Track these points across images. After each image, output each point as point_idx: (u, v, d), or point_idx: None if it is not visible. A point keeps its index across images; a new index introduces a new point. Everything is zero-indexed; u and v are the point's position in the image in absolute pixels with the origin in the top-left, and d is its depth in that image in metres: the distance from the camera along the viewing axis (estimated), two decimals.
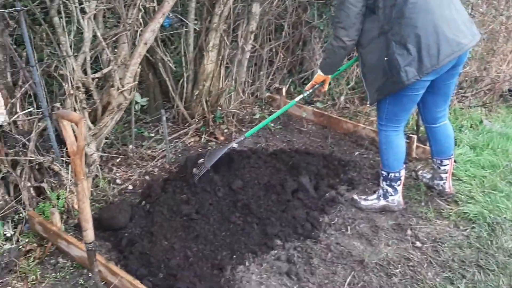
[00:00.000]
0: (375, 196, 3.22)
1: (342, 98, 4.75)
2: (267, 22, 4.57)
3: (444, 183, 3.30)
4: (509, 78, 5.05)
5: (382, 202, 3.17)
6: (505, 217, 3.06)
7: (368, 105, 3.00)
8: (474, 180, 3.46)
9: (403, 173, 3.13)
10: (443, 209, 3.17)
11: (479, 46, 4.98)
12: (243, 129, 4.20)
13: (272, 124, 4.32)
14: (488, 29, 4.92)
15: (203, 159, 3.29)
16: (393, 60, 2.67)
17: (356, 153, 3.88)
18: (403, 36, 2.62)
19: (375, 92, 2.88)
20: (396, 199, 3.16)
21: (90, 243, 2.06)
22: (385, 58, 2.70)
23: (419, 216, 3.11)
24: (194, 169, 3.25)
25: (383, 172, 3.14)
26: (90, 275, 2.43)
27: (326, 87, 3.25)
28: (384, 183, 3.15)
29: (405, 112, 2.97)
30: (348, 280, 2.58)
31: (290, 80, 5.02)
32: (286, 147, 3.96)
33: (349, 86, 4.82)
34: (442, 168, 3.27)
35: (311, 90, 3.25)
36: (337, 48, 2.81)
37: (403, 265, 2.70)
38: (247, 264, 2.66)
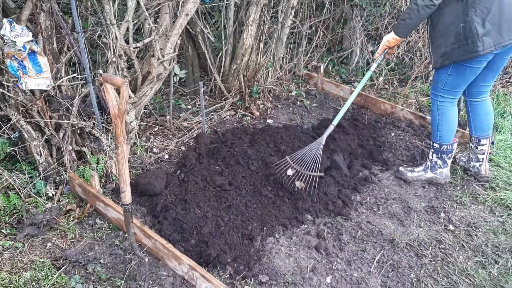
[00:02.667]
0: (421, 168, 3.23)
1: (381, 79, 4.67)
2: None
3: (480, 165, 3.24)
4: None
5: (429, 174, 3.18)
6: None
7: (432, 68, 3.01)
8: None
9: (455, 146, 3.14)
10: (479, 194, 3.10)
11: None
12: (279, 105, 4.20)
13: (308, 102, 4.30)
14: None
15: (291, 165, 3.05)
16: (472, 28, 2.67)
17: (393, 134, 3.82)
18: (486, 6, 2.63)
19: (440, 57, 2.87)
20: (445, 172, 3.16)
21: (127, 205, 2.13)
22: (462, 25, 2.70)
23: (454, 200, 3.06)
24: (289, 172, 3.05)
25: (434, 145, 3.15)
26: (126, 236, 2.52)
27: (394, 50, 3.26)
28: (435, 155, 3.15)
29: (464, 84, 2.96)
30: (377, 258, 2.58)
31: (329, 58, 4.97)
32: (320, 125, 3.93)
33: (389, 67, 4.73)
34: (479, 148, 3.22)
35: (382, 56, 3.22)
36: (423, 8, 2.74)
37: (434, 247, 2.67)
38: (277, 236, 2.70)
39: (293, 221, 2.82)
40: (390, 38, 3.06)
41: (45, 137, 2.83)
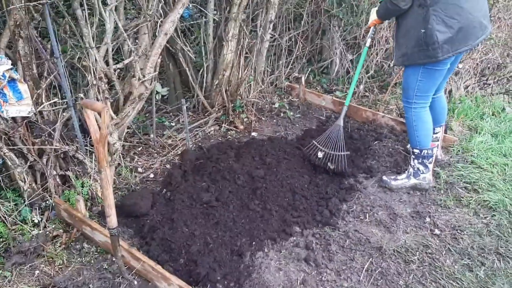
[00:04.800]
0: (404, 175, 3.29)
1: (362, 86, 4.74)
2: (286, 11, 4.58)
3: (436, 151, 3.44)
4: None
5: (413, 181, 3.24)
6: None
7: (392, 65, 3.19)
8: (495, 168, 3.43)
9: (435, 150, 3.23)
10: (462, 197, 3.15)
11: (503, 32, 4.90)
12: (263, 118, 4.23)
13: (291, 113, 4.34)
14: None
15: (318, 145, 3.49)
16: (432, 35, 2.77)
17: (375, 141, 3.87)
18: (447, 14, 2.73)
19: (401, 56, 3.00)
20: (428, 177, 3.22)
21: (113, 229, 2.13)
22: (422, 31, 2.80)
23: (438, 204, 3.11)
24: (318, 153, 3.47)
25: (415, 151, 3.22)
26: (114, 259, 2.51)
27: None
28: (416, 161, 3.22)
29: (434, 86, 3.07)
30: (365, 266, 2.61)
31: (309, 69, 5.02)
32: (304, 135, 3.97)
33: (368, 74, 4.80)
34: (434, 136, 3.42)
35: (373, 30, 3.40)
36: (392, 5, 2.87)
37: (421, 252, 2.71)
38: (266, 250, 2.71)
39: (282, 234, 2.83)
40: (374, 17, 3.22)
41: (28, 163, 2.82)
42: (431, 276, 2.54)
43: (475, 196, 3.15)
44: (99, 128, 1.93)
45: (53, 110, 2.92)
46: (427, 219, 2.97)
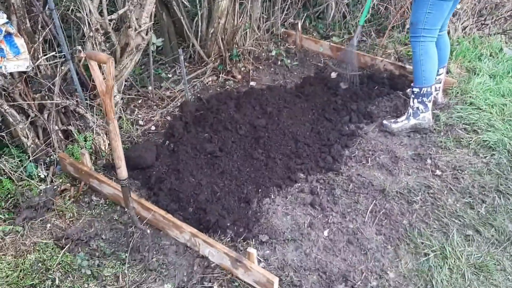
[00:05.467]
0: (404, 117, 3.32)
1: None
2: None
3: (437, 94, 3.51)
4: None
5: (413, 121, 3.27)
6: None
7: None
8: (494, 108, 3.46)
9: (433, 88, 3.23)
10: (462, 138, 3.20)
11: None
12: (260, 67, 4.18)
13: (288, 61, 4.30)
14: None
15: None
16: None
17: (375, 87, 3.86)
18: None
19: None
20: (427, 116, 3.26)
21: (124, 180, 2.15)
22: None
23: (439, 146, 3.15)
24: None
25: (414, 90, 3.24)
26: (125, 210, 2.55)
27: None
28: (416, 100, 3.24)
29: (442, 19, 3.07)
30: (370, 208, 2.68)
31: (305, 14, 4.92)
32: (303, 83, 3.95)
33: (365, 18, 4.71)
34: (437, 77, 3.42)
35: None
36: None
37: (424, 193, 2.78)
38: (272, 197, 2.76)
39: (287, 180, 2.88)
40: None
41: (29, 119, 2.79)
42: (433, 215, 2.62)
43: (474, 136, 3.19)
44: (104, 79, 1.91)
45: (50, 64, 2.86)
46: (428, 161, 3.02)
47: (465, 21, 4.65)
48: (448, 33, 4.46)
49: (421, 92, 3.20)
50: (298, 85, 3.94)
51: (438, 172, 2.93)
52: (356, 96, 3.69)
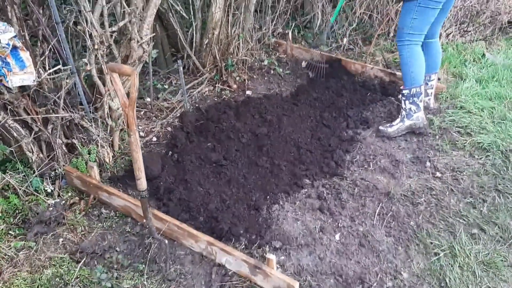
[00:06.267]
0: (398, 119, 3.42)
1: (345, 40, 4.79)
2: None
3: (429, 99, 3.64)
4: (509, 10, 5.10)
5: (407, 122, 3.37)
6: None
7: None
8: (483, 111, 3.60)
9: (423, 88, 3.34)
10: (457, 141, 3.32)
11: None
12: (254, 76, 4.24)
13: (281, 70, 4.36)
14: None
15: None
16: None
17: (367, 93, 3.96)
18: None
19: None
20: (420, 115, 3.36)
21: (143, 191, 2.16)
22: None
23: (436, 149, 3.26)
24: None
25: (404, 92, 3.34)
26: (137, 222, 2.55)
27: None
28: (407, 102, 3.34)
29: (427, 25, 3.19)
30: (377, 211, 2.74)
31: (294, 24, 5.01)
32: (298, 91, 4.02)
33: (352, 27, 4.84)
34: (429, 83, 3.59)
35: None
36: None
37: (427, 194, 2.86)
38: (281, 203, 2.80)
39: (294, 186, 2.93)
40: None
41: (33, 134, 2.76)
42: (439, 215, 2.71)
43: (468, 139, 3.31)
44: (124, 92, 1.92)
45: (54, 78, 2.84)
46: (428, 163, 3.12)
47: (448, 28, 4.82)
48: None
49: (411, 93, 3.31)
50: (293, 93, 4.00)
51: (438, 174, 3.03)
52: (351, 103, 3.78)
